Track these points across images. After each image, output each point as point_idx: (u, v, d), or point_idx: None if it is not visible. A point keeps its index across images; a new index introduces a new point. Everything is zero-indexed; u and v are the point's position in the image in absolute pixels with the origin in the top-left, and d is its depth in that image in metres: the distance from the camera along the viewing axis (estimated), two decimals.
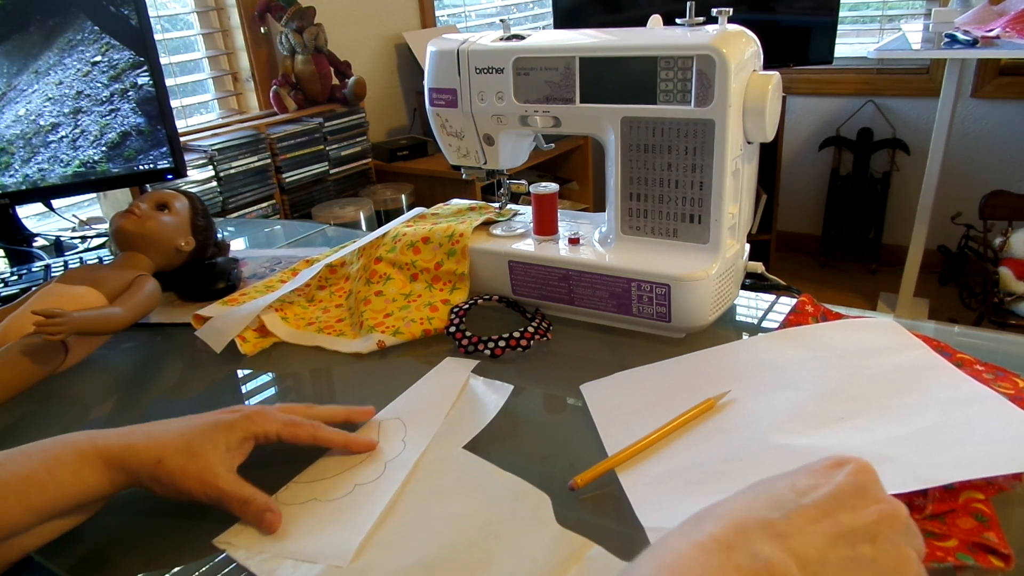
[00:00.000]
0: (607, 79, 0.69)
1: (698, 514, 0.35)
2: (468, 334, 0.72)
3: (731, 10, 0.67)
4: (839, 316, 0.71)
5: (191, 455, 0.49)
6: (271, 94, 2.05)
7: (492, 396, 0.63)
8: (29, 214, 1.47)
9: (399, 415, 0.62)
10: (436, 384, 0.67)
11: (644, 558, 0.33)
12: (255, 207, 1.91)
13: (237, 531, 0.50)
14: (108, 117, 1.11)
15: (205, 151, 1.76)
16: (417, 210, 0.91)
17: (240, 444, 0.51)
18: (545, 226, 0.79)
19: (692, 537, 0.32)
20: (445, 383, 0.66)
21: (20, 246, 1.17)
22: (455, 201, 0.94)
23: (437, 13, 2.66)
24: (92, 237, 1.21)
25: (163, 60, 1.81)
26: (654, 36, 0.68)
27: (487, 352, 0.71)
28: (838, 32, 2.33)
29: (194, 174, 1.73)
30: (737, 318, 0.76)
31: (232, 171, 1.82)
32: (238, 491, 0.50)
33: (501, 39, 0.75)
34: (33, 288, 0.79)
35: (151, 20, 1.10)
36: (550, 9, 2.62)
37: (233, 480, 0.50)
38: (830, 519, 0.33)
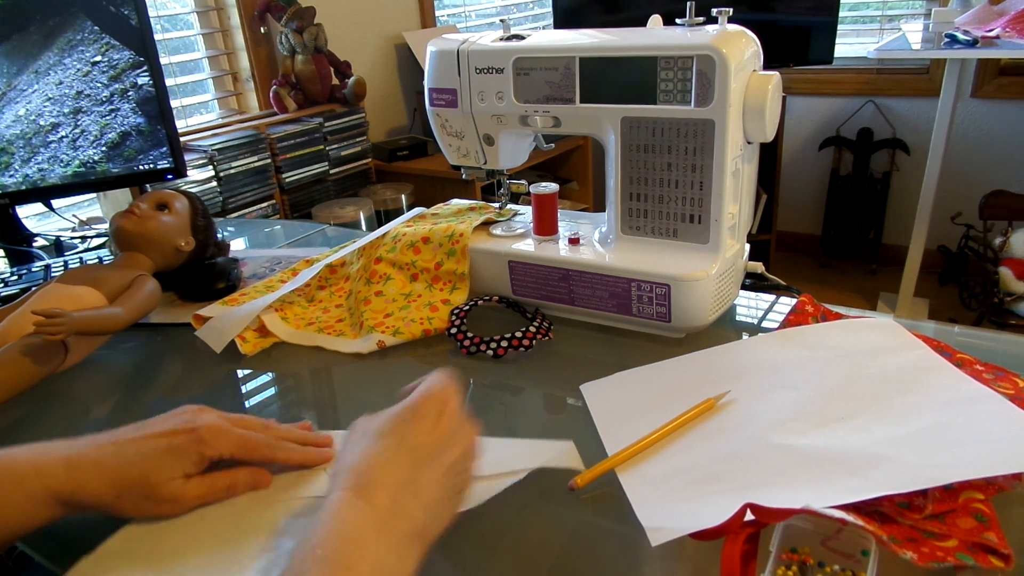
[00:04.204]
0: (607, 79, 0.69)
1: (357, 472, 0.43)
2: (470, 335, 0.72)
3: (731, 10, 0.67)
4: (839, 316, 0.71)
5: (150, 488, 0.47)
6: (271, 94, 2.05)
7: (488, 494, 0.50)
8: (29, 214, 1.46)
9: None
10: (522, 451, 0.55)
11: (321, 529, 0.39)
12: (255, 207, 1.91)
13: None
14: (108, 117, 1.11)
15: (205, 151, 1.76)
16: (417, 210, 0.91)
17: (195, 466, 0.49)
18: (545, 226, 0.79)
19: (361, 509, 0.41)
20: (525, 456, 0.53)
21: (20, 246, 1.17)
22: (455, 201, 0.94)
23: (437, 13, 2.66)
24: (92, 237, 1.21)
25: (163, 60, 1.81)
26: (654, 36, 0.68)
27: (489, 352, 0.71)
28: (838, 32, 2.33)
29: (194, 174, 1.73)
30: (737, 318, 0.76)
31: (232, 171, 1.82)
32: (215, 489, 0.50)
33: (501, 39, 0.75)
34: (33, 288, 0.79)
35: (151, 20, 1.10)
36: (550, 9, 2.62)
37: (201, 484, 0.49)
38: (439, 463, 0.45)
